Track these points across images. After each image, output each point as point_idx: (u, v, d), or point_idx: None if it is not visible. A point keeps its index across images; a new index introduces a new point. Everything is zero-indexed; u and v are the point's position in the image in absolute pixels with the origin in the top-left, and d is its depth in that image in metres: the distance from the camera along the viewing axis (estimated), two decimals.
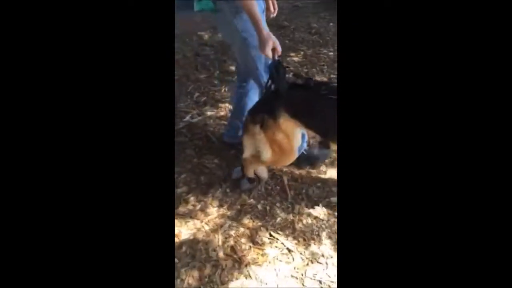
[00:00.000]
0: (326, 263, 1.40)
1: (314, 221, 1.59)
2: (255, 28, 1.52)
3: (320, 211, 1.64)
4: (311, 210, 1.64)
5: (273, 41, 1.52)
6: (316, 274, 1.35)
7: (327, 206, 1.66)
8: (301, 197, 1.72)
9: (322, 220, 1.60)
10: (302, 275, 1.35)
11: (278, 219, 1.60)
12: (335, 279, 1.33)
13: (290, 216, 1.62)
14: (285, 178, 1.81)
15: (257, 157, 1.67)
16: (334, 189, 1.76)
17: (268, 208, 1.66)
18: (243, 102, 1.90)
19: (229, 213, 1.64)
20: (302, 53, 3.24)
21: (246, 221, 1.60)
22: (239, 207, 1.67)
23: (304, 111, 1.56)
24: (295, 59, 3.12)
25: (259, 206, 1.67)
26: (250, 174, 1.75)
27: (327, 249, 1.46)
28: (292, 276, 1.35)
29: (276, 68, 1.56)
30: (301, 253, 1.44)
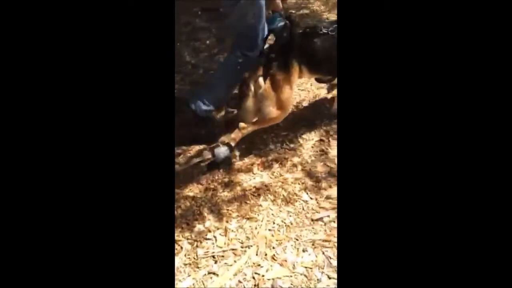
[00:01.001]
0: (214, 237, 1.37)
1: (193, 202, 1.54)
2: None
3: (195, 190, 1.60)
4: (187, 193, 1.58)
5: None
6: (207, 251, 1.32)
7: (202, 184, 1.63)
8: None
9: (200, 197, 1.56)
10: (194, 258, 1.30)
11: None
12: (226, 247, 1.32)
13: None
14: None
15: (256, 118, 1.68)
16: (203, 164, 1.73)
17: None
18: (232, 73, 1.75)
19: None
20: None
21: None
22: None
23: (311, 58, 1.64)
24: None
25: None
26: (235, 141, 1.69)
27: (212, 223, 1.43)
28: (184, 264, 1.29)
29: (288, 18, 1.66)
30: (187, 238, 1.38)
